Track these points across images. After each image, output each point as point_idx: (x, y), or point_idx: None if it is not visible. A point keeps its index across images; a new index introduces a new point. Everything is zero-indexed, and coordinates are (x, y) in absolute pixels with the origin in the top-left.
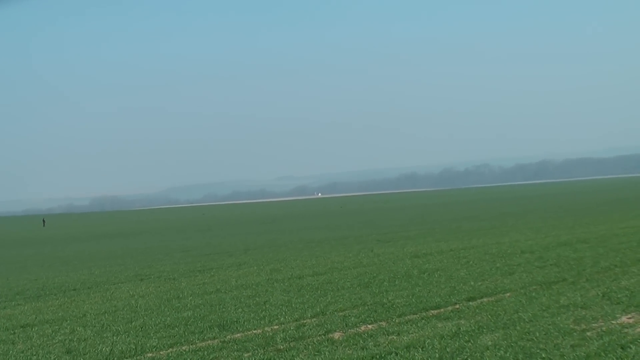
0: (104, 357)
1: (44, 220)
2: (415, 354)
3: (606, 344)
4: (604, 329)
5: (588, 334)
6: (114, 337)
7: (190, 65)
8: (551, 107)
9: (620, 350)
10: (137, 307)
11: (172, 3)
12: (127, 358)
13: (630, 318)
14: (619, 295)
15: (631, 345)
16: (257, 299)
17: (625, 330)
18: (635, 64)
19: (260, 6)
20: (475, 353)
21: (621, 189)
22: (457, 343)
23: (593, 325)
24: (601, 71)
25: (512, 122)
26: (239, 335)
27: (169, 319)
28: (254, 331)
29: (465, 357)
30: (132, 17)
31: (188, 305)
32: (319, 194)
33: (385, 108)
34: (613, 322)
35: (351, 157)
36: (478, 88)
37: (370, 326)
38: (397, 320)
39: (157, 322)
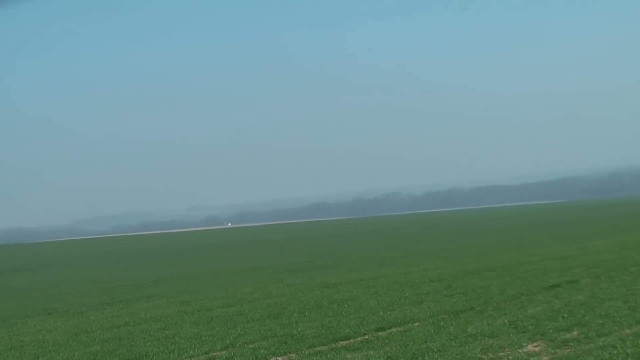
0: None
1: None
2: None
3: None
4: (510, 357)
5: None
6: None
7: (94, 89)
8: (460, 135)
9: None
10: (44, 342)
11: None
12: None
13: (536, 346)
14: (525, 324)
15: None
16: (166, 331)
17: (531, 359)
18: (537, 95)
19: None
20: None
21: (527, 216)
22: None
23: (500, 354)
24: (504, 102)
25: (421, 151)
26: None
27: (77, 354)
28: None
29: None
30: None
31: (96, 339)
32: (229, 224)
33: (292, 138)
34: (519, 350)
35: (261, 186)
36: (386, 118)
37: (280, 358)
38: (306, 352)
39: (65, 358)
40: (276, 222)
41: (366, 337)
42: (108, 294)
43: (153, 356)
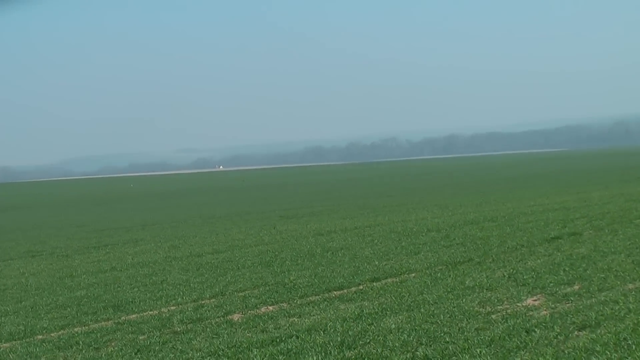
0: None
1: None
2: (317, 337)
3: (511, 328)
4: (509, 311)
5: (493, 316)
6: (2, 318)
7: (99, 31)
8: (460, 80)
9: (525, 334)
10: (27, 285)
11: None
12: (15, 340)
13: (535, 300)
14: (524, 277)
15: (536, 329)
16: (154, 277)
17: (530, 313)
18: (542, 39)
19: None
20: (378, 336)
21: (529, 165)
22: (360, 326)
23: (498, 307)
24: (508, 47)
25: (421, 95)
26: (134, 316)
27: (61, 298)
28: (150, 312)
29: (368, 340)
30: None
31: (81, 284)
32: (221, 167)
33: (288, 80)
34: (518, 304)
35: (255, 129)
36: (386, 61)
37: (271, 307)
38: (298, 302)
39: (49, 302)
40: (270, 166)
41: (360, 287)
42: (94, 237)
43: (140, 302)
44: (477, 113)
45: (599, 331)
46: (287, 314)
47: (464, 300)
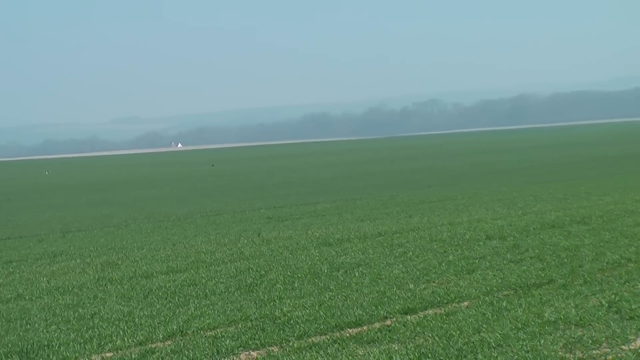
0: None
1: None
2: None
3: None
4: (610, 358)
5: None
6: None
7: None
8: (535, 24)
9: None
10: None
11: None
12: None
13: None
14: (632, 306)
15: None
16: (80, 309)
17: None
18: None
19: None
20: None
21: (637, 139)
22: None
23: (594, 352)
24: None
25: (476, 42)
26: None
27: None
28: None
29: None
30: None
31: None
32: (179, 145)
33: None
34: (624, 347)
35: (227, 90)
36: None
37: (254, 354)
38: (295, 345)
39: None
40: (250, 144)
41: (387, 322)
42: None
43: (59, 347)
44: (558, 64)
45: None
46: None
47: (542, 341)
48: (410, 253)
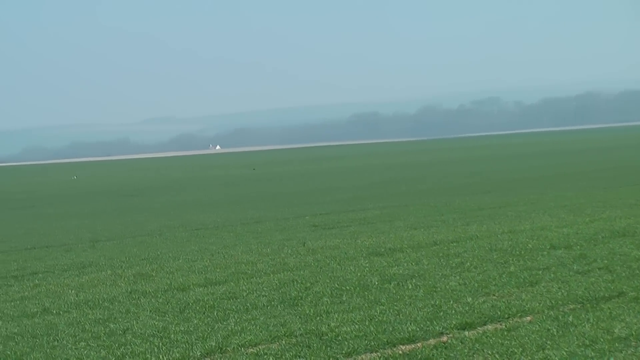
0: None
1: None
2: None
3: None
4: None
5: None
6: None
7: None
8: (602, 16)
9: None
10: None
11: None
12: None
13: None
14: None
15: None
16: (111, 325)
17: None
18: None
19: None
20: None
21: None
22: None
23: None
24: None
25: (538, 36)
26: None
27: None
28: None
29: None
30: None
31: None
32: (217, 147)
33: (316, 16)
34: None
35: (268, 88)
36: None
37: None
38: None
39: None
40: (293, 146)
41: (443, 339)
42: (15, 260)
43: None
44: (628, 59)
45: None
46: None
47: (611, 359)
48: (468, 264)
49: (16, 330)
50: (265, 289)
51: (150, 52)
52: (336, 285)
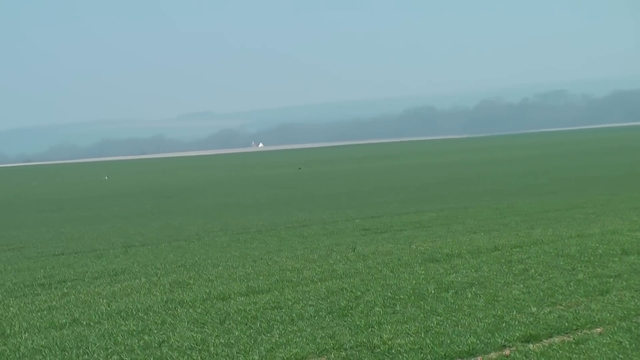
0: None
1: None
2: None
3: None
4: None
5: None
6: None
7: None
8: None
9: None
10: None
11: None
12: None
13: None
14: None
15: None
16: (146, 337)
17: None
18: None
19: None
20: None
21: None
22: None
23: None
24: None
25: (608, 25)
26: None
27: None
28: None
29: None
30: None
31: (20, 348)
32: (260, 145)
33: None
34: None
35: (315, 81)
36: None
37: None
38: None
39: None
40: (342, 143)
41: (506, 352)
42: (42, 266)
43: None
44: None
45: None
46: None
47: None
48: (532, 270)
49: (44, 342)
50: (312, 298)
51: (186, 44)
52: (389, 294)
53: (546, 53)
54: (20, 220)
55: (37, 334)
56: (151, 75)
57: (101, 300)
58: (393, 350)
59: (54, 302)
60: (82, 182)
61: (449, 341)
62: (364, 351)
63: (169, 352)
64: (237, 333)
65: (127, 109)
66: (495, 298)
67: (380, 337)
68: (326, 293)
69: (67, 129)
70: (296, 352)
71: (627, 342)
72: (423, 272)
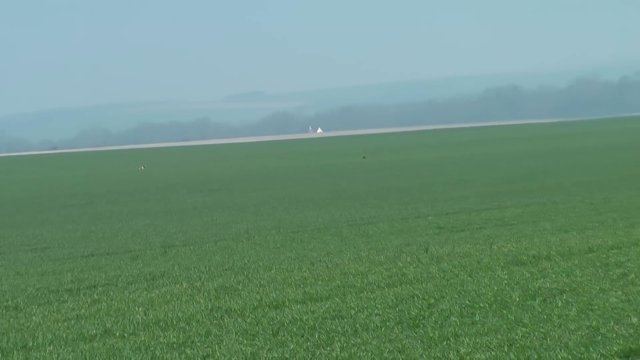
0: None
1: None
2: None
3: None
4: None
5: None
6: None
7: None
8: None
9: None
10: None
11: None
12: None
13: None
14: None
15: None
16: (188, 350)
17: None
18: None
19: None
20: None
21: None
22: None
23: None
24: None
25: None
26: None
27: None
28: None
29: None
30: None
31: None
32: (318, 130)
33: None
34: None
35: (381, 59)
36: None
37: None
38: None
39: None
40: (414, 128)
41: None
42: (69, 269)
43: None
44: None
45: None
46: None
47: None
48: (633, 275)
49: (71, 356)
50: (378, 306)
51: (232, 15)
52: (467, 301)
53: None
54: (45, 217)
55: (63, 347)
56: (194, 50)
57: (137, 308)
58: None
59: (83, 311)
60: (115, 172)
61: (536, 356)
62: None
63: None
64: (292, 346)
65: (166, 88)
66: (590, 307)
67: (457, 352)
68: (395, 300)
69: (98, 112)
70: None
71: None
72: (506, 276)
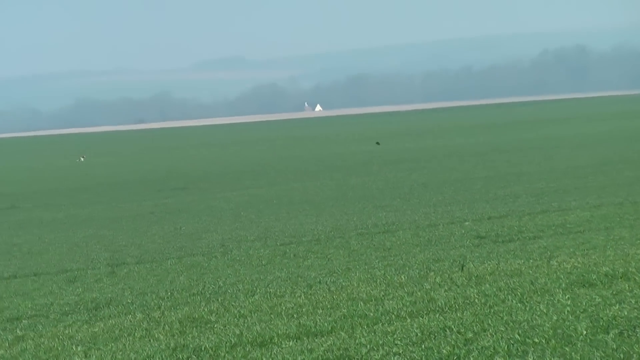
0: None
1: None
2: None
3: None
4: None
5: None
6: None
7: None
8: None
9: None
10: None
11: None
12: None
13: None
14: None
15: None
16: None
17: None
18: None
19: None
20: None
21: None
22: None
23: None
24: None
25: None
26: None
27: None
28: None
29: None
30: None
31: None
32: (317, 108)
33: None
34: None
35: (401, 11)
36: None
37: None
38: None
39: None
40: (441, 104)
41: None
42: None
43: None
44: None
45: None
46: None
47: None
48: None
49: None
50: (398, 342)
51: None
52: (517, 335)
53: None
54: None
55: None
56: (150, 3)
57: (74, 347)
58: None
59: (2, 352)
60: (45, 165)
61: None
62: None
63: None
64: None
65: (113, 53)
66: None
67: None
68: (420, 335)
69: (23, 85)
70: None
71: None
72: (569, 302)
